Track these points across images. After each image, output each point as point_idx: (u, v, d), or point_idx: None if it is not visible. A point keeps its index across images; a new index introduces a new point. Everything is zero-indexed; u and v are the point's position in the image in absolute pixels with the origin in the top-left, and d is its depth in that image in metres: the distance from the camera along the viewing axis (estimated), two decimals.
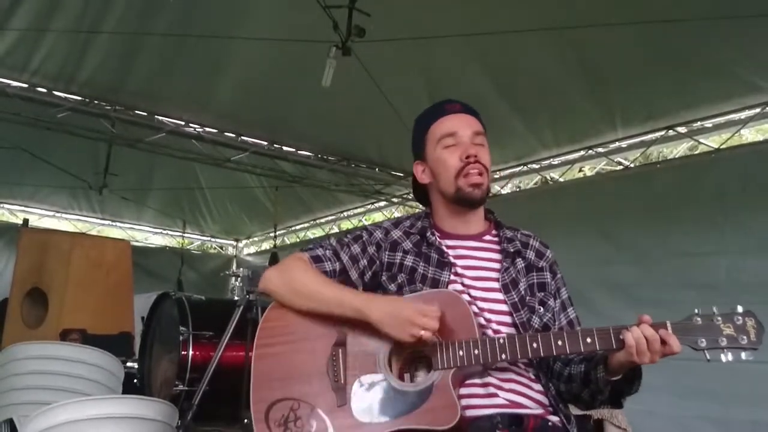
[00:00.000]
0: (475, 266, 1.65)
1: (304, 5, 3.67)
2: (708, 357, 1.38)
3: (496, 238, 1.72)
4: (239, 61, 4.67)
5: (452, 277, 1.61)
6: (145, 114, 5.51)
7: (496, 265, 1.65)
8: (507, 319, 1.58)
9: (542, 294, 1.66)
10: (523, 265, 1.68)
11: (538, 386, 1.57)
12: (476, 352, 1.44)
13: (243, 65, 4.71)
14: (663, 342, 1.37)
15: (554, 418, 1.53)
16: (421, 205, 1.86)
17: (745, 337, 1.36)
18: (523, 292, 1.63)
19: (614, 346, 1.40)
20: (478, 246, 1.69)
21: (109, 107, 5.29)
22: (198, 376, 3.73)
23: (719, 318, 1.39)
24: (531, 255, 1.71)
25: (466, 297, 1.56)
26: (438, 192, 1.70)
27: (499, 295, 1.60)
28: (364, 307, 1.51)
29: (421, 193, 1.80)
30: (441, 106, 1.74)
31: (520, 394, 1.54)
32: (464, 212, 1.69)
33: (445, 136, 1.66)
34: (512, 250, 1.68)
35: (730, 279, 4.03)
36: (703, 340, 1.38)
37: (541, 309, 1.62)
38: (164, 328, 4.40)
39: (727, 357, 1.37)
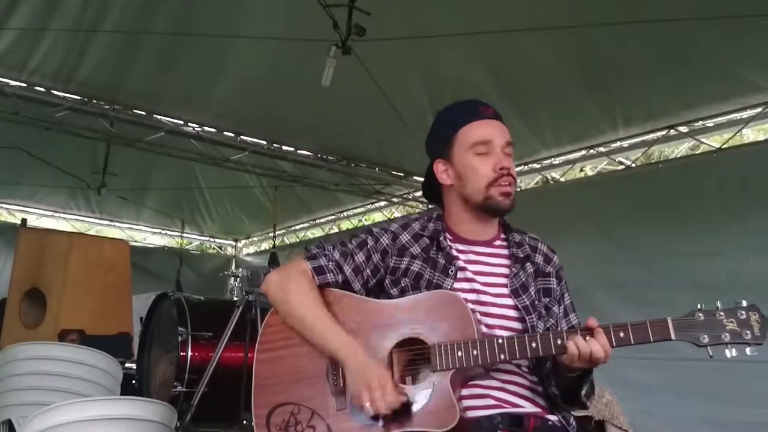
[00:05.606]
0: (486, 272, 1.63)
1: (303, 4, 3.66)
2: (711, 353, 1.35)
3: (505, 243, 1.70)
4: (238, 60, 4.66)
5: (455, 284, 1.58)
6: (144, 113, 5.50)
7: (506, 270, 1.64)
8: (515, 324, 1.56)
9: (547, 299, 1.64)
10: (532, 269, 1.66)
11: (540, 389, 1.57)
12: (475, 352, 1.43)
13: (242, 64, 4.70)
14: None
15: (554, 418, 1.54)
16: (421, 205, 1.83)
17: (748, 332, 1.33)
18: (533, 296, 1.62)
19: (614, 344, 1.39)
20: (488, 252, 1.67)
21: (107, 106, 5.28)
22: (197, 377, 3.72)
23: (722, 313, 1.36)
24: (539, 259, 1.69)
25: (472, 303, 1.54)
26: (460, 196, 1.65)
27: (509, 300, 1.59)
28: (341, 356, 1.50)
29: (435, 190, 1.75)
30: (474, 108, 1.65)
31: (520, 396, 1.53)
32: (486, 218, 1.66)
33: (479, 144, 1.60)
34: (522, 255, 1.66)
35: (730, 279, 4.02)
36: (706, 336, 1.35)
37: (546, 314, 1.62)
38: (163, 329, 4.38)
39: (731, 353, 1.34)
